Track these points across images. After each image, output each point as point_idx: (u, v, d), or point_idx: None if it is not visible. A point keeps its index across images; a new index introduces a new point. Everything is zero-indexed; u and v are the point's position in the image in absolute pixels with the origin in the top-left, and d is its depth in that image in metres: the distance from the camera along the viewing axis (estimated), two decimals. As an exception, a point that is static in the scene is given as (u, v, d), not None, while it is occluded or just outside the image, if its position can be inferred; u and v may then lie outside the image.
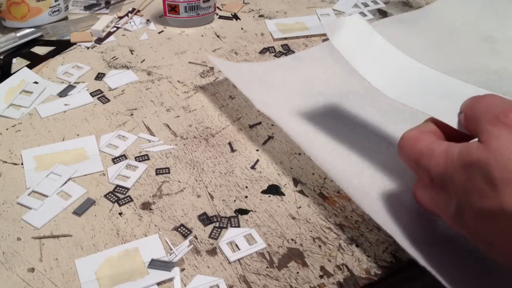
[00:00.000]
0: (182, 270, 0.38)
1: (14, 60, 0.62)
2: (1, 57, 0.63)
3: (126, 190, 0.45)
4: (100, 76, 0.59)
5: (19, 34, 0.64)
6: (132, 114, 0.53)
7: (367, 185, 0.43)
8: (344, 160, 0.46)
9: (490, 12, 0.70)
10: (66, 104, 0.55)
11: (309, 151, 0.44)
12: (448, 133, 0.36)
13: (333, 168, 0.44)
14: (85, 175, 0.46)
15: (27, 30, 0.65)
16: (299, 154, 0.48)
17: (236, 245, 0.40)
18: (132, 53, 0.63)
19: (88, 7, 0.73)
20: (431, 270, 0.34)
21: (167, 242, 0.40)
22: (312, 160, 0.44)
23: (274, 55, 0.63)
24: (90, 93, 0.56)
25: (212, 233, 0.41)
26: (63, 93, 0.56)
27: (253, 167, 0.47)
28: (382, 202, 0.42)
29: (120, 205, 0.43)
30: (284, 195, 0.44)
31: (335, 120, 0.51)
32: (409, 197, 0.43)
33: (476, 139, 0.32)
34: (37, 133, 0.51)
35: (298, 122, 0.50)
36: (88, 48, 0.64)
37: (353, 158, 0.46)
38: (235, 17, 0.71)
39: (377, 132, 0.50)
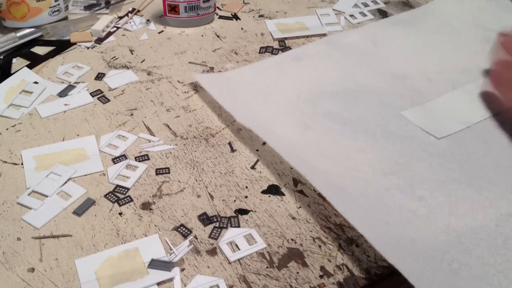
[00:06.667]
0: (182, 270, 0.38)
1: (14, 60, 0.62)
2: (1, 57, 0.63)
3: (126, 190, 0.45)
4: (100, 76, 0.59)
5: (19, 34, 0.64)
6: (132, 114, 0.53)
7: (349, 186, 0.43)
8: (329, 161, 0.46)
9: (489, 12, 0.70)
10: (66, 104, 0.55)
11: (290, 161, 0.44)
12: None
13: (314, 173, 0.44)
14: (85, 175, 0.46)
15: (27, 30, 0.65)
16: (299, 154, 0.48)
17: (236, 245, 0.40)
18: (132, 53, 0.63)
19: (88, 7, 0.73)
20: (409, 278, 0.34)
21: (167, 242, 0.40)
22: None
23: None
24: (90, 93, 0.56)
25: (212, 233, 0.41)
26: (63, 93, 0.56)
27: (253, 167, 0.47)
28: (362, 204, 0.42)
29: (120, 205, 0.43)
30: (284, 195, 0.44)
31: (323, 119, 0.51)
32: (391, 197, 0.43)
33: None
34: (37, 133, 0.51)
35: (284, 127, 0.50)
36: (88, 48, 0.64)
37: (337, 158, 0.46)
38: (235, 17, 0.71)
39: (365, 129, 0.50)
